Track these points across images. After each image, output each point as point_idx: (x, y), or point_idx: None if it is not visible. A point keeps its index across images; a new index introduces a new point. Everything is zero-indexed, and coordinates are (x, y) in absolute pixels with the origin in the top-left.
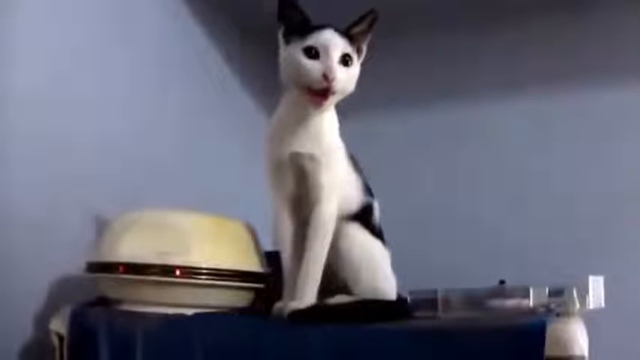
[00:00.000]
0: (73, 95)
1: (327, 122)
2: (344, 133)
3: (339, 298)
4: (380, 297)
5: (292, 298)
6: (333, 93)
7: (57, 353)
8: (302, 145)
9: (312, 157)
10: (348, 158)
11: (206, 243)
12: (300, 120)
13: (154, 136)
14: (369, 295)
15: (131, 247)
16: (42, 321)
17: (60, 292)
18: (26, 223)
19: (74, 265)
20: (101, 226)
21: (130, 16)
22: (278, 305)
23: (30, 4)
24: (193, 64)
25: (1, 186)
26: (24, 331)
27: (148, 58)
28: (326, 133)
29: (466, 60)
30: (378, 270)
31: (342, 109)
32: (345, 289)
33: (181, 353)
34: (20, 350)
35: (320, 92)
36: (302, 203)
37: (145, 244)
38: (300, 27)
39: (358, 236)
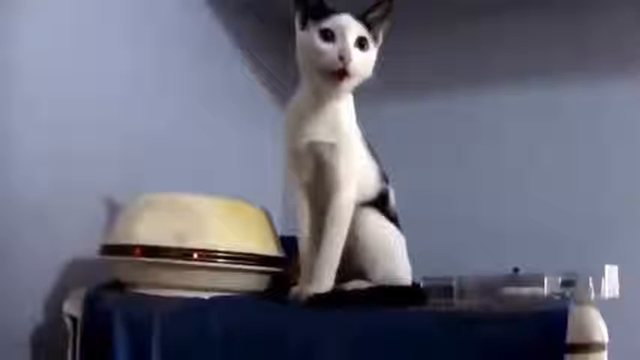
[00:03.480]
0: (75, 80)
1: (345, 109)
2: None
3: (356, 284)
4: (395, 282)
5: (309, 282)
6: (349, 76)
7: (70, 336)
8: (320, 133)
9: (330, 146)
10: (365, 144)
11: (224, 226)
12: (317, 107)
13: (158, 115)
14: (385, 281)
15: (148, 230)
16: (54, 304)
17: (72, 275)
18: (37, 205)
19: (85, 247)
20: (111, 208)
21: None
22: (295, 289)
23: None
24: (197, 43)
25: (10, 167)
26: (36, 315)
27: (150, 39)
28: (344, 120)
29: (467, 50)
30: (394, 256)
31: None
32: (361, 275)
33: (198, 337)
34: (33, 333)
35: (336, 74)
36: (320, 190)
37: (162, 226)
38: (316, 11)
39: (374, 222)
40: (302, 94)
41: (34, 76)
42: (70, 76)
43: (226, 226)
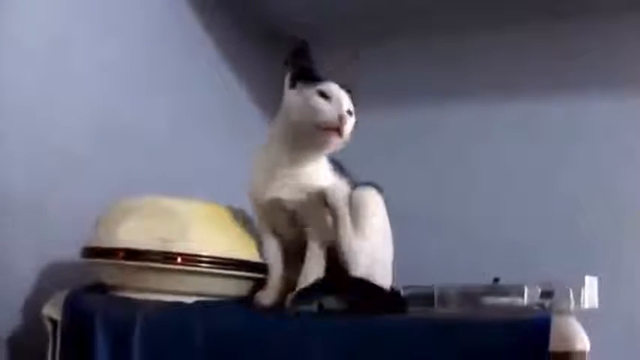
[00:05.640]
0: (71, 79)
1: (321, 169)
2: None
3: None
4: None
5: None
6: (341, 137)
7: (50, 338)
8: (292, 192)
9: (301, 204)
10: (333, 169)
11: (209, 231)
12: (292, 164)
13: (149, 119)
14: None
15: (132, 233)
16: (35, 306)
17: (53, 277)
18: (19, 207)
19: (67, 249)
20: (96, 211)
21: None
22: (259, 294)
23: None
24: (187, 53)
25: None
26: (16, 317)
27: (142, 46)
28: (317, 178)
29: (459, 62)
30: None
31: None
32: None
33: (180, 341)
34: (12, 335)
35: (333, 129)
36: (291, 234)
37: (146, 230)
38: (308, 75)
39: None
40: (278, 146)
41: (25, 73)
42: (61, 74)
43: (211, 231)
